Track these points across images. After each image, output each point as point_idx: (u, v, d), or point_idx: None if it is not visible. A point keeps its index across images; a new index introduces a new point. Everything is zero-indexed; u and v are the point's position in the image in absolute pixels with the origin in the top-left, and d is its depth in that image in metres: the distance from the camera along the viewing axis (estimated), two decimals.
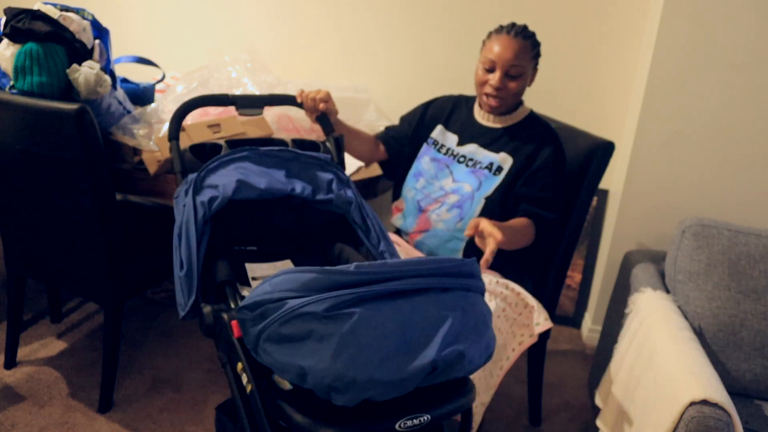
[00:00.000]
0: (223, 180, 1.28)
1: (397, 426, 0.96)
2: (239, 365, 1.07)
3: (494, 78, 1.62)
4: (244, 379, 1.06)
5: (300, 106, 1.61)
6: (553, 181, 1.64)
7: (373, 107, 2.37)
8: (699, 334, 1.62)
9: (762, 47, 1.95)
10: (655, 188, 2.16)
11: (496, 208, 1.64)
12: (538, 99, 2.20)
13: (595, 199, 2.43)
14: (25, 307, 2.09)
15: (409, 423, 0.97)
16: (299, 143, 1.55)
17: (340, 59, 2.52)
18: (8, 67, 1.61)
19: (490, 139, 1.71)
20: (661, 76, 2.04)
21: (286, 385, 1.03)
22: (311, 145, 1.56)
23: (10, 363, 1.98)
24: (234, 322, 1.08)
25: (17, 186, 1.73)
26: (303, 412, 0.97)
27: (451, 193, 1.69)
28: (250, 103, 1.49)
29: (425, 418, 0.98)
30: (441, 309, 0.98)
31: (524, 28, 1.64)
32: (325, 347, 0.91)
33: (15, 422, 1.75)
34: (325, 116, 1.63)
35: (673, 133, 2.09)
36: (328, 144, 1.59)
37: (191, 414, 1.85)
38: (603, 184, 2.39)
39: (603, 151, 1.67)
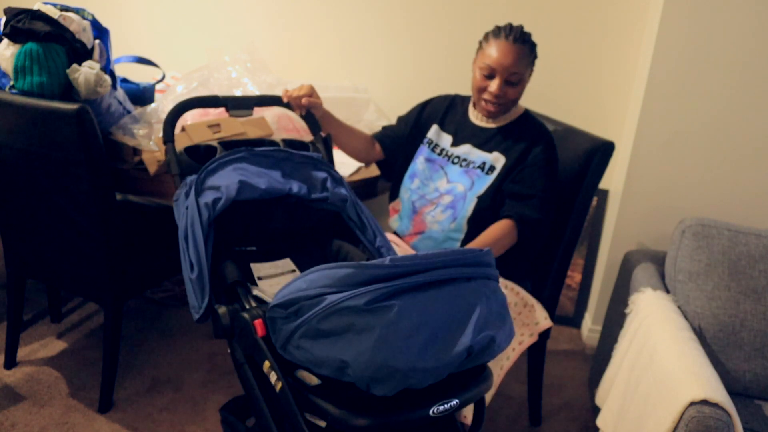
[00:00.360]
0: (225, 181, 1.29)
1: (430, 412, 0.99)
2: (266, 364, 1.07)
3: (494, 85, 1.59)
4: (273, 377, 1.06)
5: (287, 106, 1.61)
6: (541, 180, 1.62)
7: (373, 107, 2.37)
8: (699, 334, 1.62)
9: (762, 47, 1.95)
10: (655, 188, 2.16)
11: (487, 206, 1.64)
12: (538, 99, 2.20)
13: (595, 199, 2.43)
14: (25, 307, 2.09)
15: (441, 408, 1.00)
16: (289, 143, 1.56)
17: (340, 59, 2.52)
18: (8, 67, 1.61)
19: (483, 139, 1.71)
20: (661, 76, 2.04)
21: (314, 380, 1.04)
22: (300, 145, 1.57)
23: (10, 363, 1.98)
24: (257, 321, 1.08)
25: (17, 186, 1.72)
26: (338, 405, 0.98)
27: (445, 194, 1.69)
28: (240, 105, 1.50)
29: (455, 402, 1.02)
30: (469, 297, 1.02)
31: (521, 31, 1.59)
32: (365, 339, 0.93)
33: (15, 422, 1.75)
34: (311, 115, 1.63)
35: (673, 133, 2.09)
36: (316, 143, 1.59)
37: (191, 414, 1.85)
38: (603, 184, 2.39)
39: (603, 151, 1.67)
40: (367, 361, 0.92)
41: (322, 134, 1.61)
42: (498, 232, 1.59)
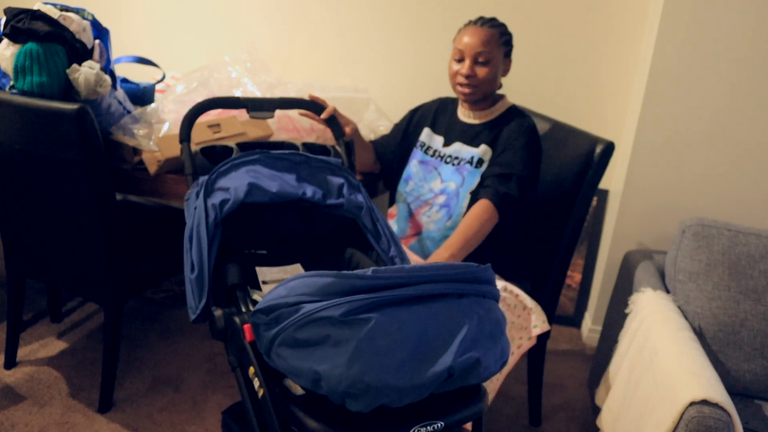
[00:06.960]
0: (235, 183, 1.28)
1: None
2: (251, 370, 1.06)
3: (464, 66, 1.65)
4: (256, 383, 1.05)
5: (310, 109, 1.60)
6: (521, 162, 1.61)
7: (373, 107, 2.37)
8: (699, 334, 1.62)
9: (762, 47, 1.95)
10: (655, 188, 2.16)
11: None
12: (539, 99, 2.20)
13: (595, 199, 2.43)
14: (25, 307, 2.09)
15: (422, 430, 0.96)
16: (309, 147, 1.54)
17: (340, 59, 2.52)
18: (8, 67, 1.61)
19: (472, 135, 1.73)
20: (661, 76, 2.04)
21: (299, 390, 1.03)
22: (321, 149, 1.55)
23: (10, 363, 1.98)
24: (246, 326, 1.07)
25: (17, 186, 1.72)
26: (316, 418, 0.96)
27: (439, 194, 1.71)
28: (261, 107, 1.48)
29: (439, 425, 0.98)
30: (457, 315, 0.98)
31: (492, 18, 1.67)
32: (340, 352, 0.90)
33: (15, 422, 1.75)
34: (335, 119, 1.63)
35: (673, 133, 2.09)
36: (338, 148, 1.58)
37: (191, 414, 1.85)
38: (603, 184, 2.39)
39: (603, 151, 1.67)
40: (340, 375, 0.89)
41: (345, 139, 1.61)
42: (479, 214, 1.56)
